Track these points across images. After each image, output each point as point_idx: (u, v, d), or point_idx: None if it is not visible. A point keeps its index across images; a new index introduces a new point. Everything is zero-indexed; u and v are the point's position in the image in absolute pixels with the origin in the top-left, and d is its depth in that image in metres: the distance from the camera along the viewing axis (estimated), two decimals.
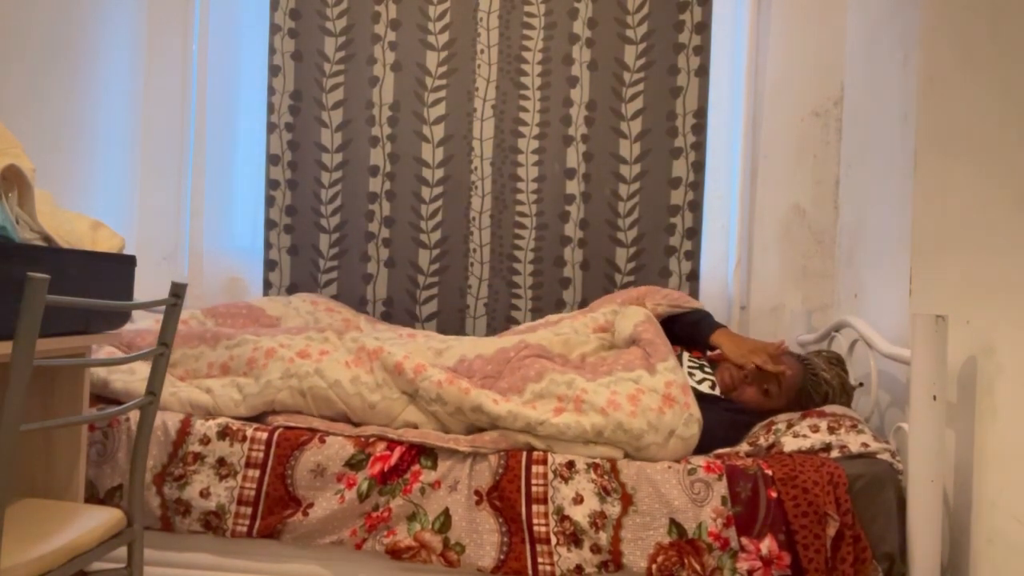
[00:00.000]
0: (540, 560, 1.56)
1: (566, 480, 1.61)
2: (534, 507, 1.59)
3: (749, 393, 1.95)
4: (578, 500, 1.58)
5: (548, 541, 1.57)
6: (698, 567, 1.53)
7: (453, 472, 1.63)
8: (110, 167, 2.57)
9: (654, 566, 1.54)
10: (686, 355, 2.06)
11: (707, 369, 2.02)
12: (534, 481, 1.61)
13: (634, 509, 1.56)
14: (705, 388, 1.93)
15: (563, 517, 1.58)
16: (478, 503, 1.61)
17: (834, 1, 2.54)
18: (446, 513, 1.61)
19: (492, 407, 1.69)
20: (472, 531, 1.59)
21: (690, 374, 1.97)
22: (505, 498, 1.60)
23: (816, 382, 1.96)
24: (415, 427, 1.75)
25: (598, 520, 1.57)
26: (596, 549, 1.56)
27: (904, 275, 1.83)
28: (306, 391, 1.77)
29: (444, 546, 1.59)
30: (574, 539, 1.57)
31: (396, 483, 1.62)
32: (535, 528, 1.58)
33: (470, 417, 1.71)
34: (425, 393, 1.74)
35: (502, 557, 1.57)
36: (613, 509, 1.57)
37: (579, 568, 1.55)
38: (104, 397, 1.80)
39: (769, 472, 1.57)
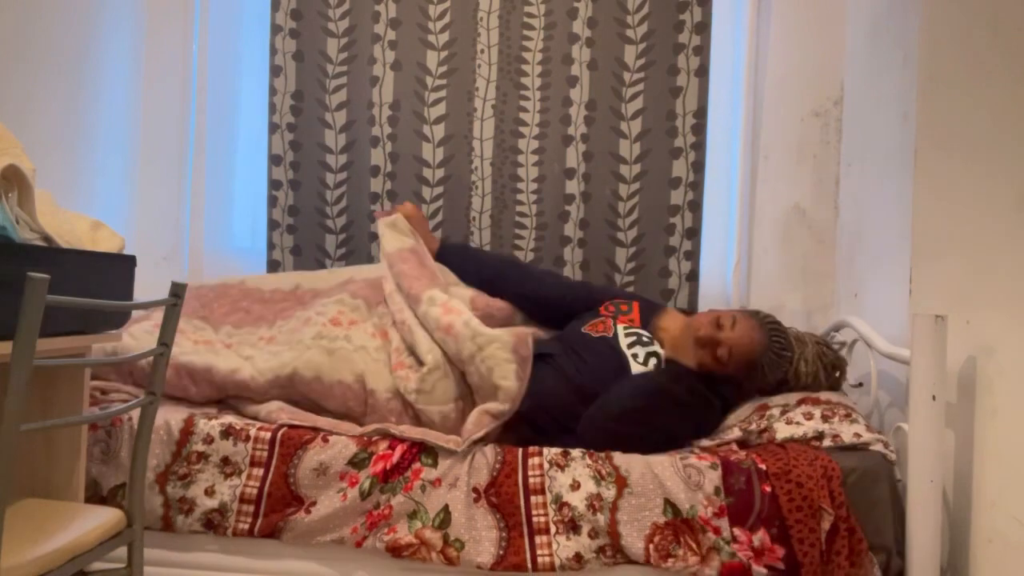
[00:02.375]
0: (539, 552, 1.57)
1: (562, 468, 1.62)
2: (532, 498, 1.59)
3: (700, 356, 1.84)
4: (575, 486, 1.59)
5: (547, 531, 1.57)
6: (694, 545, 1.53)
7: (453, 470, 1.63)
8: (110, 167, 2.57)
9: (651, 546, 1.54)
10: (620, 326, 1.98)
11: (645, 339, 1.92)
12: (531, 472, 1.62)
13: (629, 491, 1.57)
14: (651, 367, 1.85)
15: (562, 504, 1.58)
16: (476, 500, 1.61)
17: (834, 1, 2.54)
18: (446, 510, 1.61)
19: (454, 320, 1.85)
20: (471, 528, 1.60)
21: (631, 348, 1.89)
22: (503, 494, 1.60)
23: (776, 361, 1.86)
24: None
25: (595, 502, 1.57)
26: (594, 534, 1.56)
27: (904, 275, 1.83)
28: (335, 351, 1.87)
29: (444, 543, 1.59)
30: (573, 526, 1.57)
31: (397, 481, 1.63)
32: (534, 519, 1.58)
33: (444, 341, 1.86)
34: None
35: (501, 552, 1.58)
36: (609, 492, 1.57)
37: (578, 556, 1.55)
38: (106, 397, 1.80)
39: (763, 467, 1.57)
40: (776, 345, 1.88)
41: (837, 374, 1.96)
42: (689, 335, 1.87)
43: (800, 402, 1.81)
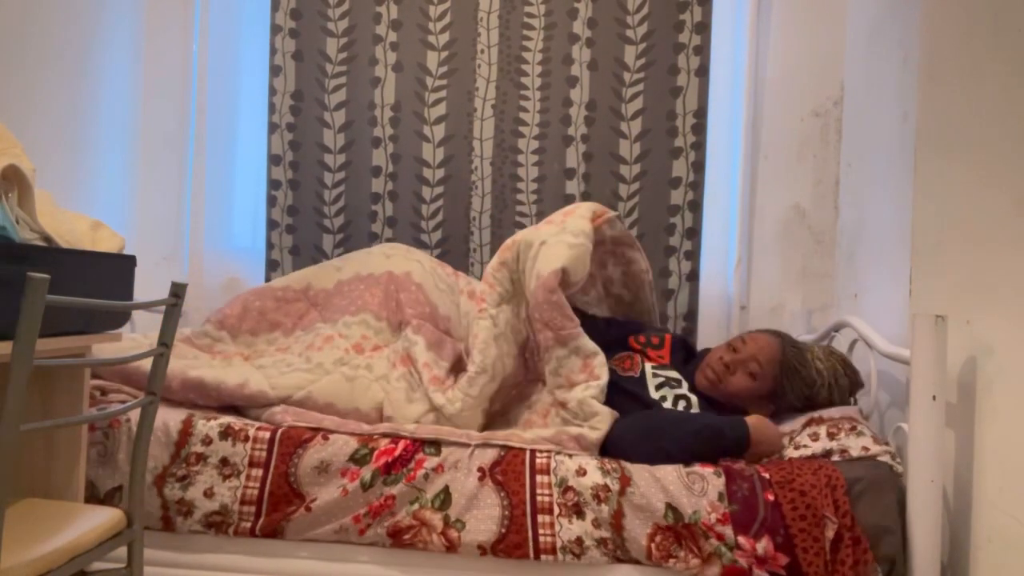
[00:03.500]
0: (541, 531, 1.56)
1: (569, 455, 1.64)
2: (538, 477, 1.60)
3: (737, 381, 1.87)
4: (581, 472, 1.60)
5: (551, 511, 1.57)
6: (695, 548, 1.53)
7: (455, 454, 1.64)
8: (110, 167, 2.57)
9: (653, 544, 1.54)
10: (648, 364, 1.95)
11: (674, 381, 1.89)
12: (538, 455, 1.63)
13: (632, 490, 1.57)
14: (681, 408, 1.83)
15: (567, 488, 1.58)
16: (481, 479, 1.61)
17: (834, 1, 2.55)
18: (446, 490, 1.61)
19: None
20: (472, 507, 1.59)
21: (659, 390, 1.87)
22: (509, 472, 1.61)
23: (799, 354, 1.87)
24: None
25: (601, 493, 1.57)
26: (597, 523, 1.56)
27: (904, 275, 1.83)
28: (356, 378, 1.90)
29: (444, 524, 1.59)
30: (577, 510, 1.57)
31: (400, 472, 1.63)
32: (538, 498, 1.58)
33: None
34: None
35: (503, 531, 1.57)
36: (615, 485, 1.58)
37: (579, 540, 1.56)
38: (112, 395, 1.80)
39: (766, 475, 1.57)
40: (789, 338, 1.93)
41: (850, 368, 1.91)
42: (716, 372, 1.88)
43: (806, 424, 1.80)
